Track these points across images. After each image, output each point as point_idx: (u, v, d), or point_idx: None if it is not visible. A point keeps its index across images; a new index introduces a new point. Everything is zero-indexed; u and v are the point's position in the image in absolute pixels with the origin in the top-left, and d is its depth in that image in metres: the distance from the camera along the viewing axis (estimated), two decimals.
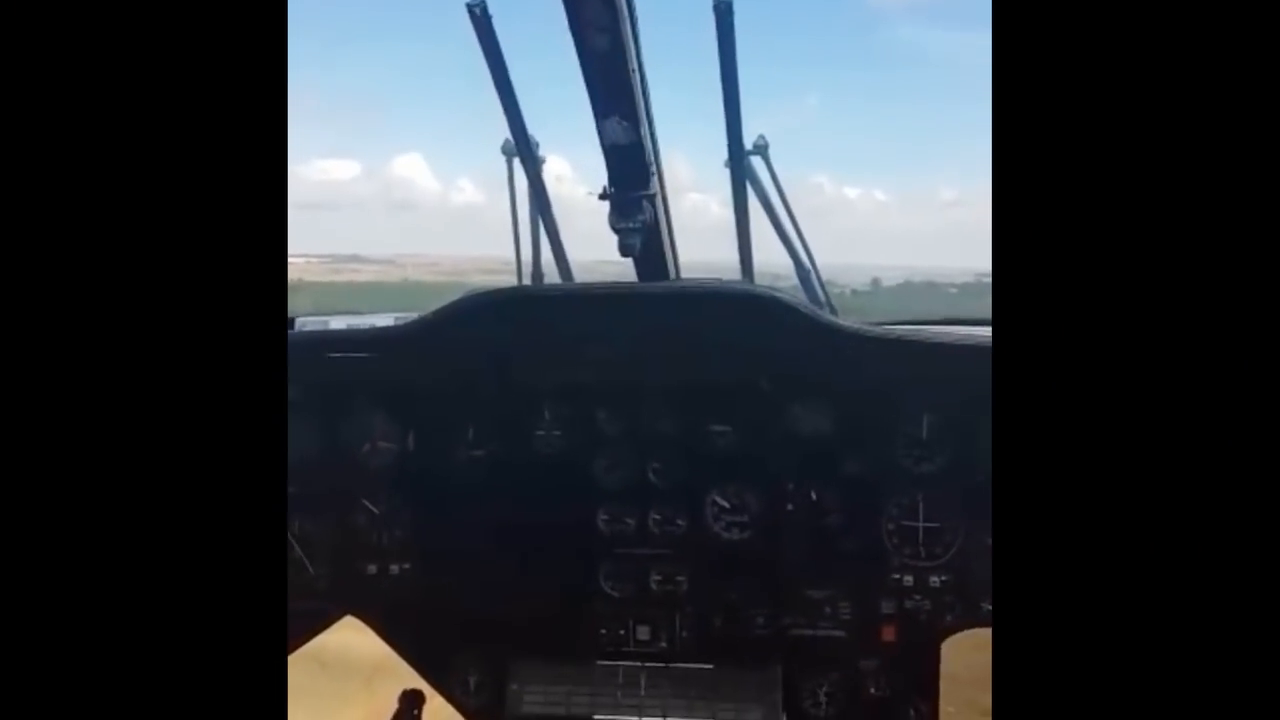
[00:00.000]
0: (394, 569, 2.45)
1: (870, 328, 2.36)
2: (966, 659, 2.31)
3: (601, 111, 1.94)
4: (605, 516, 2.42)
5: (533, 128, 2.50)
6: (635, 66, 1.88)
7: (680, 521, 2.40)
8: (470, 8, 2.05)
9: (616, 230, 2.18)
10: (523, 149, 2.47)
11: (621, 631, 2.43)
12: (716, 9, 2.01)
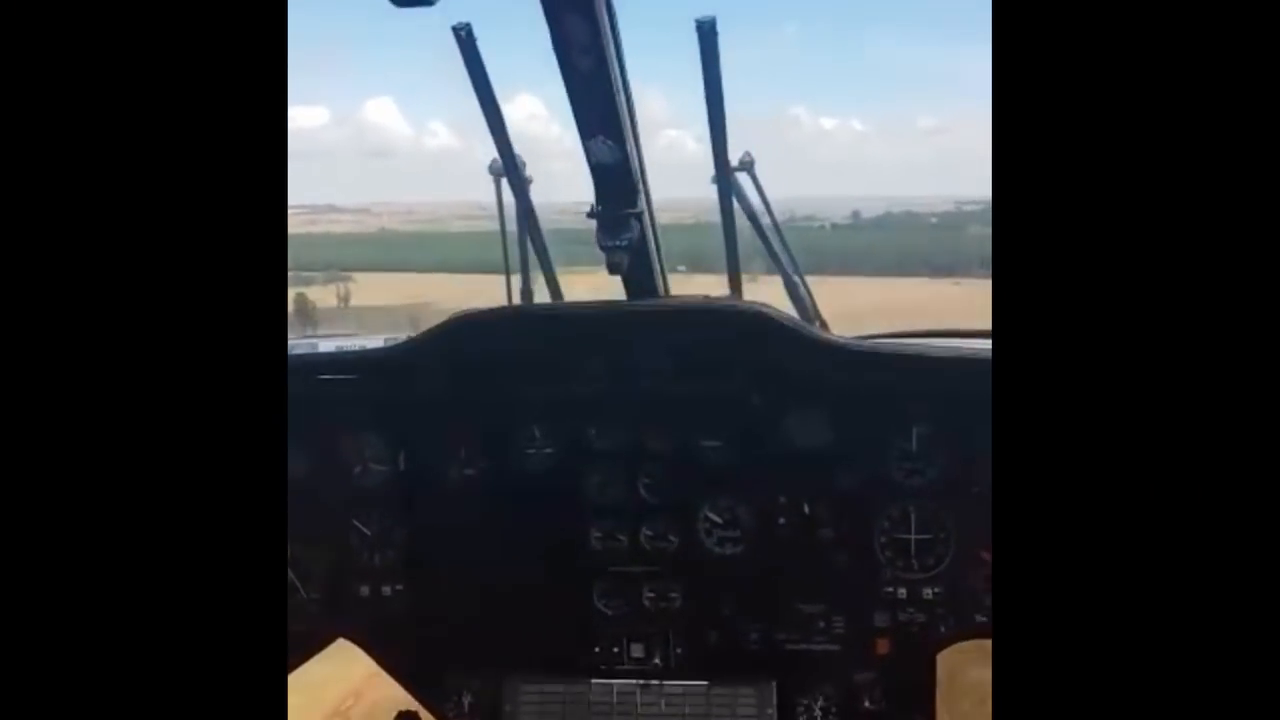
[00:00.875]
0: (386, 590, 2.47)
1: (858, 341, 2.39)
2: (962, 671, 2.38)
3: (587, 131, 1.94)
4: (598, 534, 2.43)
5: (518, 146, 2.47)
6: (620, 86, 1.88)
7: (673, 537, 2.42)
8: (456, 30, 2.04)
9: (604, 248, 2.17)
10: (510, 168, 2.44)
11: (615, 649, 2.45)
12: (700, 28, 2.00)
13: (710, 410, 2.38)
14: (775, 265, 2.61)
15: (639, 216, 2.20)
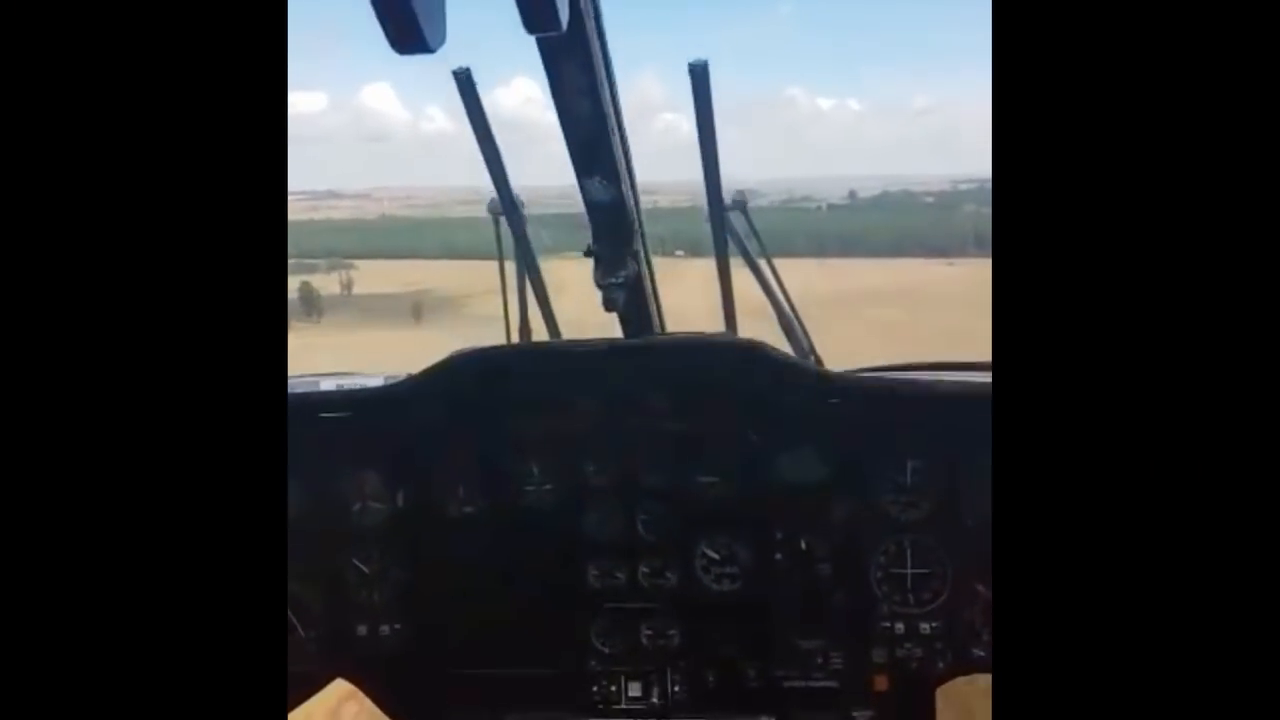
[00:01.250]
0: (384, 629, 2.48)
1: (852, 375, 2.45)
2: (961, 705, 2.35)
3: (583, 171, 1.99)
4: (595, 571, 2.46)
5: (516, 183, 2.49)
6: (615, 128, 1.91)
7: (670, 574, 2.44)
8: (455, 74, 2.06)
9: (601, 286, 2.21)
10: (508, 208, 2.45)
11: (614, 688, 2.47)
12: (692, 71, 2.03)
13: (706, 446, 2.41)
14: (769, 300, 2.63)
15: (635, 255, 2.24)
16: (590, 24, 1.64)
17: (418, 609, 2.50)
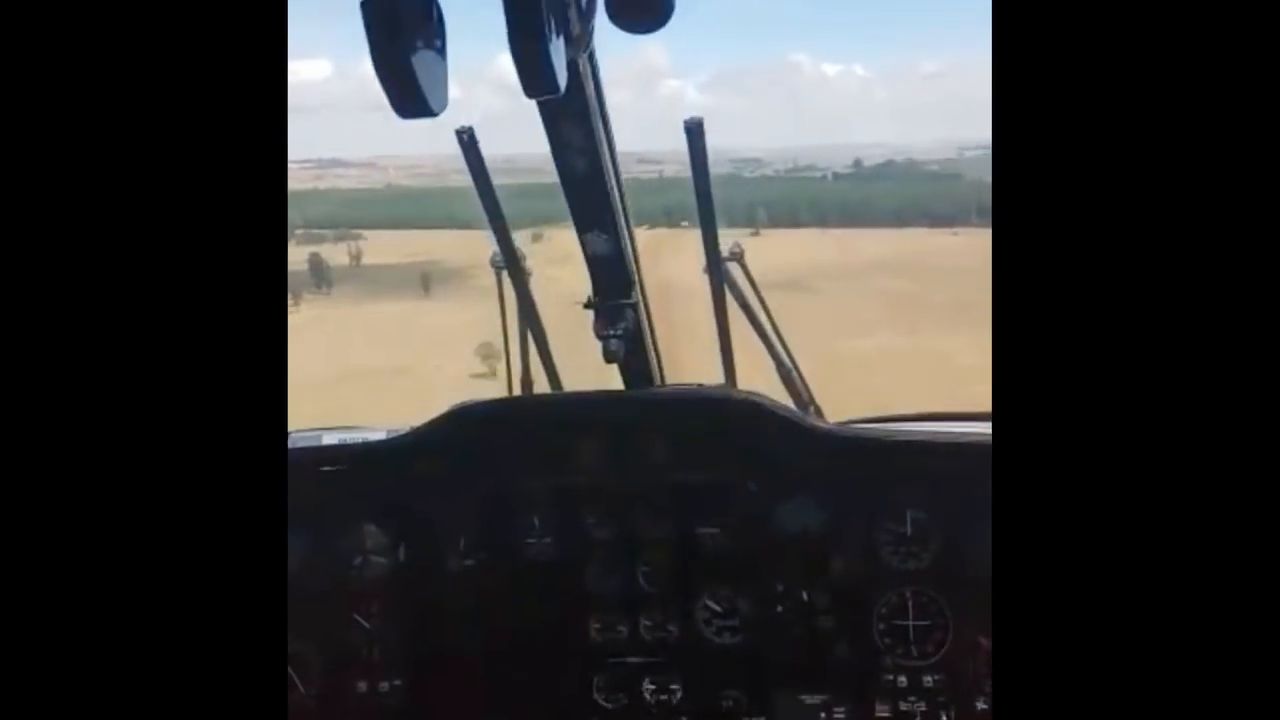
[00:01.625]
0: (384, 685, 2.45)
1: (852, 427, 2.44)
2: None
3: (583, 226, 2.01)
4: (597, 624, 2.43)
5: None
6: (613, 184, 1.94)
7: (672, 627, 2.42)
8: (459, 133, 2.10)
9: (601, 338, 2.21)
10: (510, 263, 2.46)
11: None
12: (687, 128, 2.05)
13: (707, 498, 2.41)
14: (768, 350, 2.64)
15: (634, 306, 2.25)
16: (589, 86, 1.67)
17: (418, 665, 2.48)
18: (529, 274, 2.47)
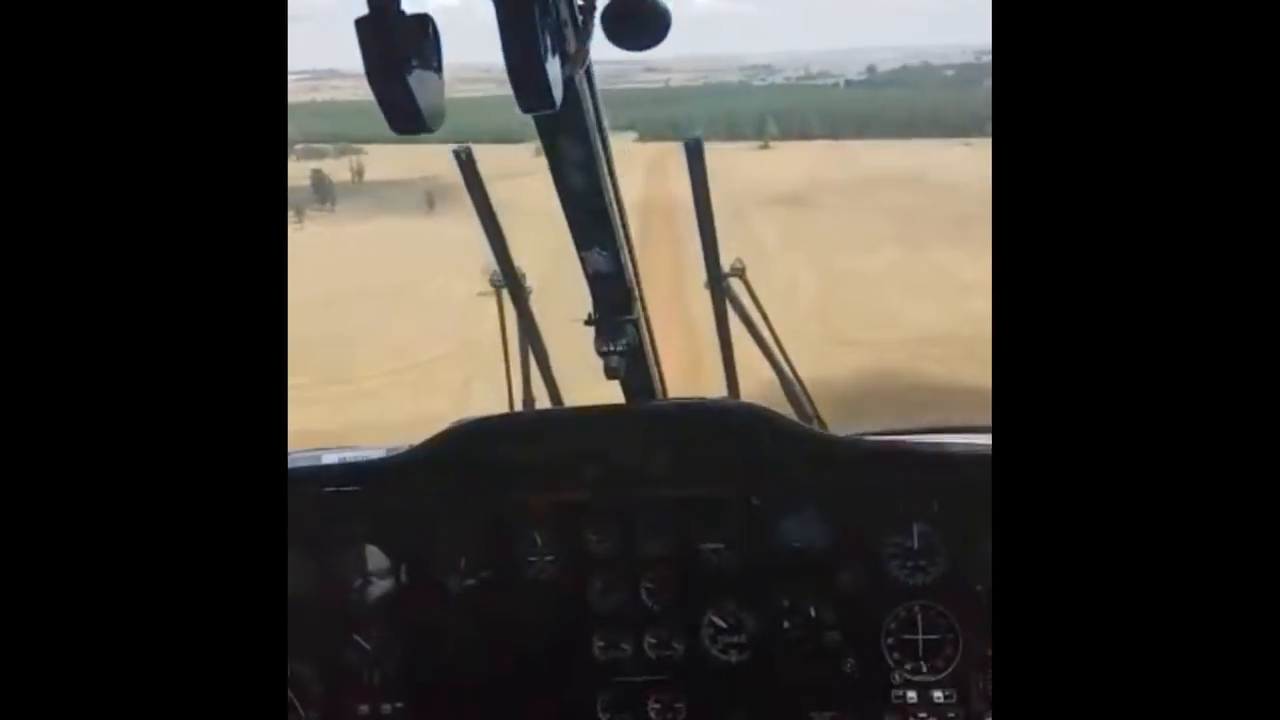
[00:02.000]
0: (386, 708, 2.43)
1: (855, 439, 2.41)
2: None
3: (583, 243, 2.00)
4: (601, 643, 2.42)
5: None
6: (612, 200, 1.93)
7: (677, 645, 2.41)
8: (456, 153, 2.09)
9: (601, 354, 2.21)
10: (510, 281, 2.42)
11: None
12: (687, 147, 2.05)
13: (710, 512, 2.40)
14: (771, 365, 2.59)
15: (634, 322, 2.24)
16: (586, 101, 1.65)
17: (420, 687, 2.46)
18: (529, 291, 2.45)
